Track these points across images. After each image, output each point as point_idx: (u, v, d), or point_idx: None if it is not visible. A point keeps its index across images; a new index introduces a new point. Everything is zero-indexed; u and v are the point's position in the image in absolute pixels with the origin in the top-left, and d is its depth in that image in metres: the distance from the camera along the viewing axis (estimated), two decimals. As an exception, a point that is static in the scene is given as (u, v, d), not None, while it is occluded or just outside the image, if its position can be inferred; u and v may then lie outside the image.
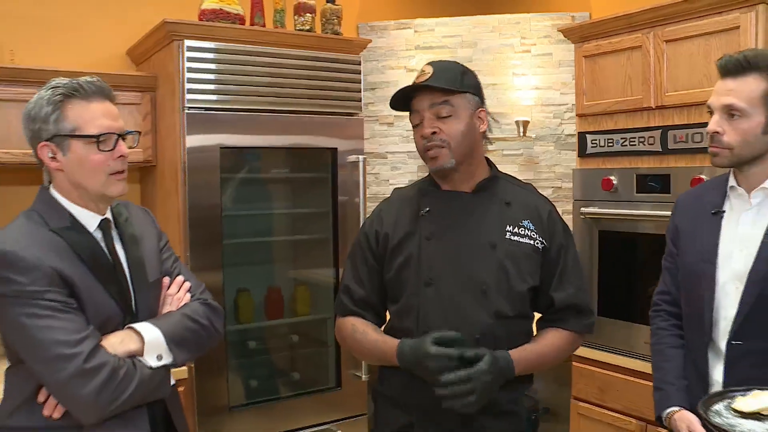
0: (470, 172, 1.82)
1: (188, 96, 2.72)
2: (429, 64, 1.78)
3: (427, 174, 1.92)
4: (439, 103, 1.75)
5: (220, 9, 2.83)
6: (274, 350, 3.36)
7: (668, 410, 1.74)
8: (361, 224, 2.29)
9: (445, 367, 1.61)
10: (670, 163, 2.66)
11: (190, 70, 2.73)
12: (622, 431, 2.76)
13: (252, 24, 3.00)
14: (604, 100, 2.89)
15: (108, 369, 1.45)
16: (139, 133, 1.86)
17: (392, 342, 1.75)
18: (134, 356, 1.53)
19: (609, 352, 2.82)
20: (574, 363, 2.98)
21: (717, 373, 1.71)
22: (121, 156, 1.61)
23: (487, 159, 1.90)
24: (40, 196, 1.62)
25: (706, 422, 1.29)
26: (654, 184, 2.67)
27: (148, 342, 1.55)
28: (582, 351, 2.93)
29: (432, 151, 1.76)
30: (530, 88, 3.62)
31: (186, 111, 2.72)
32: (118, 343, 1.52)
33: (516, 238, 1.78)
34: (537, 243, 1.80)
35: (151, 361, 1.54)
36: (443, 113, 1.75)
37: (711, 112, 1.71)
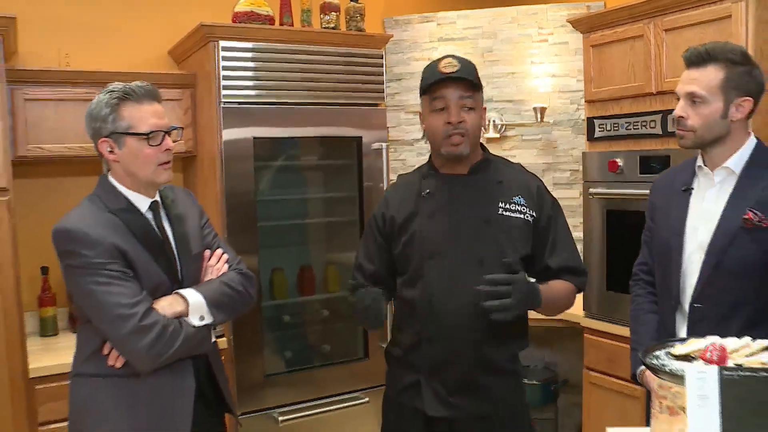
0: (470, 157, 2.01)
1: (224, 92, 2.95)
2: (453, 57, 1.94)
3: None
4: (467, 96, 1.93)
5: (252, 11, 3.05)
6: (307, 324, 3.58)
7: (641, 368, 1.91)
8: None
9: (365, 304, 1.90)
10: (669, 146, 2.78)
11: (225, 68, 2.95)
12: (628, 398, 2.91)
13: (281, 24, 3.20)
14: (609, 87, 3.03)
15: (159, 327, 1.71)
16: (182, 128, 2.11)
17: None
18: (180, 317, 1.79)
19: (616, 324, 2.97)
20: (585, 335, 3.15)
21: (683, 333, 1.88)
22: (167, 149, 1.86)
23: (480, 144, 2.08)
24: (101, 183, 1.88)
25: (644, 364, 1.49)
26: (655, 165, 2.80)
27: (192, 305, 1.80)
28: (592, 323, 3.10)
29: (455, 138, 1.93)
30: (548, 75, 3.74)
31: (222, 106, 2.95)
32: (167, 305, 1.78)
33: (508, 213, 1.96)
34: (528, 216, 1.98)
35: (194, 320, 1.80)
36: (468, 105, 1.93)
37: (678, 99, 1.89)
